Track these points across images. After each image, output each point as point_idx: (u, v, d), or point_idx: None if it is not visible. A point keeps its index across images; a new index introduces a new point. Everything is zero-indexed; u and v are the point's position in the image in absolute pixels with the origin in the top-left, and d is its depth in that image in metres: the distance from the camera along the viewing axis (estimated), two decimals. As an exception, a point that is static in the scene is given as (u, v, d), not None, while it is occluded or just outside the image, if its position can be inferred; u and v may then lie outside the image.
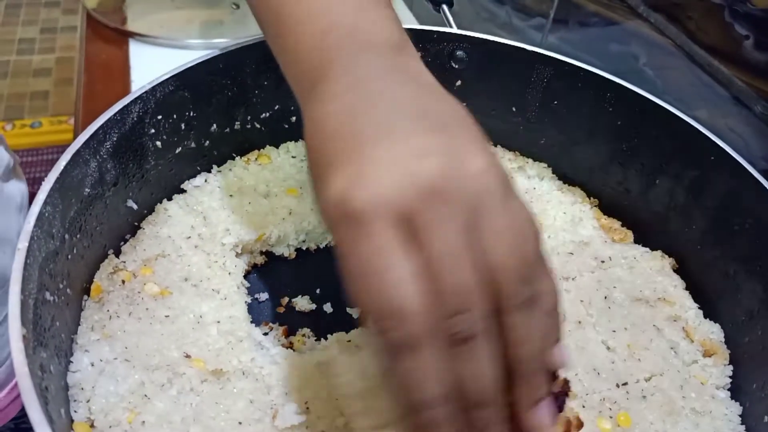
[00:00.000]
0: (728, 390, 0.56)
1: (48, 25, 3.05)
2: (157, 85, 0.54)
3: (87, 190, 0.49)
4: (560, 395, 0.45)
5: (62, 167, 0.45)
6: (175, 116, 0.57)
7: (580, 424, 0.46)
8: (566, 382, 0.46)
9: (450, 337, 0.33)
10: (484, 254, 0.34)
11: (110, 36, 1.03)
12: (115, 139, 0.51)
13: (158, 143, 0.57)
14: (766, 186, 0.54)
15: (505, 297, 0.34)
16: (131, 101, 0.51)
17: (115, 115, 0.50)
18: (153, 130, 0.55)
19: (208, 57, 0.58)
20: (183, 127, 0.59)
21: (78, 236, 0.49)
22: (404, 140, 0.35)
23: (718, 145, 0.58)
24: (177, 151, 0.60)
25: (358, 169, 0.35)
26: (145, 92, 0.53)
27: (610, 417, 0.52)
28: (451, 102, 0.40)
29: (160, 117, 0.56)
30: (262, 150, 0.69)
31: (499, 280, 0.34)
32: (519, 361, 0.36)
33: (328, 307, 0.61)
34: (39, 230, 0.43)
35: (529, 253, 0.36)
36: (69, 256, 0.47)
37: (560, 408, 0.44)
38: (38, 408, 0.34)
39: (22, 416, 0.78)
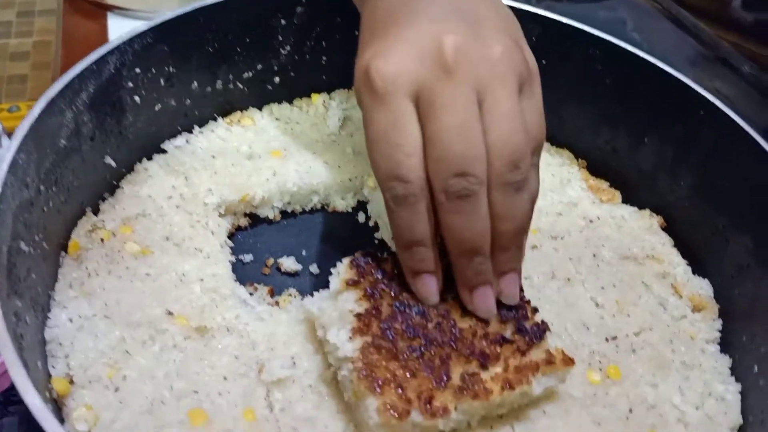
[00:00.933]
0: (717, 344, 0.56)
1: (25, 9, 2.99)
2: (134, 36, 0.52)
3: (63, 141, 0.48)
4: (539, 325, 0.47)
5: (36, 115, 0.44)
6: (153, 71, 0.56)
7: (568, 360, 0.46)
8: (543, 322, 0.48)
9: (450, 194, 0.39)
10: (485, 132, 0.38)
11: (88, 10, 1.00)
12: (91, 90, 0.49)
13: (137, 98, 0.55)
14: (755, 138, 0.54)
15: (496, 174, 0.39)
16: (108, 51, 0.50)
17: (91, 64, 0.49)
18: (131, 84, 0.54)
19: (188, 11, 0.57)
20: (162, 83, 0.57)
21: (54, 189, 0.47)
22: (433, 22, 0.40)
23: (708, 99, 0.57)
24: (157, 109, 0.58)
25: (384, 44, 0.39)
26: (123, 43, 0.51)
27: (600, 369, 0.52)
28: (497, 4, 0.45)
29: (138, 70, 0.54)
30: (245, 111, 0.67)
31: (493, 158, 0.39)
32: (498, 234, 0.41)
33: (314, 268, 0.59)
34: (12, 177, 0.41)
35: (524, 144, 0.40)
36: (45, 209, 0.46)
37: (537, 336, 0.46)
38: (12, 349, 0.32)
39: (11, 388, 0.76)
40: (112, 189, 0.56)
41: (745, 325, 0.54)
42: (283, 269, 0.59)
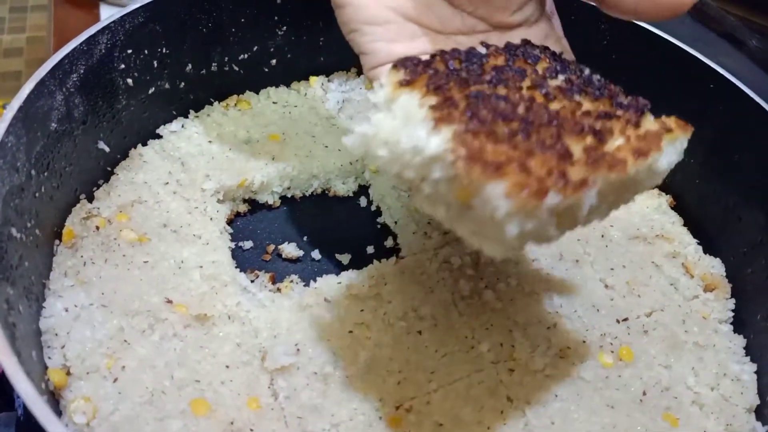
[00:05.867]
0: (731, 324, 0.54)
1: (17, 4, 2.96)
2: (125, 15, 0.50)
3: (54, 124, 0.46)
4: (637, 99, 0.39)
5: (25, 96, 0.42)
6: (146, 52, 0.54)
7: (684, 125, 0.38)
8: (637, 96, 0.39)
9: None
10: None
11: (80, 1, 0.98)
12: (82, 71, 0.48)
13: (129, 81, 0.53)
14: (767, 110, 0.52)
15: None
16: (98, 31, 0.48)
17: (81, 44, 0.47)
18: (123, 66, 0.52)
19: (181, -11, 0.55)
20: (155, 64, 0.55)
21: (45, 174, 0.45)
22: None
23: (718, 72, 0.56)
24: (150, 92, 0.56)
25: None
26: (113, 22, 0.49)
27: (612, 352, 0.50)
28: None
29: (130, 51, 0.52)
30: (241, 95, 0.65)
31: None
32: None
33: (316, 254, 0.58)
34: (1, 160, 0.39)
35: None
36: (37, 195, 0.44)
37: (641, 108, 0.38)
38: (3, 337, 0.31)
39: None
40: (107, 175, 0.54)
41: (758, 304, 0.53)
42: (284, 255, 0.58)
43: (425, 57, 0.37)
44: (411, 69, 0.35)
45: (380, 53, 0.42)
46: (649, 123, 0.38)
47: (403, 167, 0.34)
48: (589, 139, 0.34)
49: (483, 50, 0.38)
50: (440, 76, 0.35)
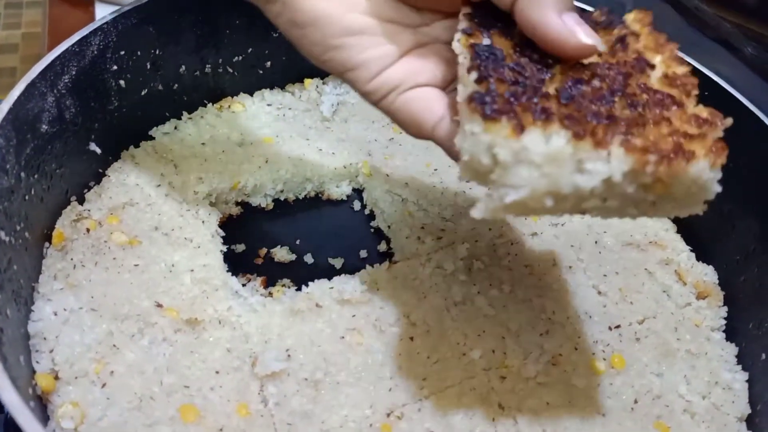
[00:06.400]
0: (723, 332, 0.54)
1: (13, 0, 2.95)
2: (118, 16, 0.50)
3: (44, 126, 0.46)
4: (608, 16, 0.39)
5: (15, 98, 0.42)
6: (139, 53, 0.53)
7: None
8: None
9: None
10: None
11: (75, -1, 0.97)
12: (73, 72, 0.47)
13: (122, 82, 0.53)
14: (762, 119, 0.52)
15: None
16: (90, 32, 0.48)
17: (73, 46, 0.46)
18: (115, 67, 0.52)
19: (175, -9, 0.55)
20: (149, 66, 0.55)
21: (36, 176, 0.45)
22: None
23: (712, 79, 0.55)
24: (143, 93, 0.56)
25: None
26: (106, 23, 0.49)
27: (604, 359, 0.50)
28: None
29: (122, 53, 0.52)
30: (235, 97, 0.65)
31: None
32: None
33: (308, 258, 0.58)
34: (-10, 163, 0.39)
35: None
36: (26, 197, 0.44)
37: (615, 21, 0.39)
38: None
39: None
40: (98, 177, 0.54)
41: (751, 312, 0.53)
42: (276, 259, 0.57)
43: (492, 84, 0.34)
44: (505, 108, 0.33)
45: (374, 63, 0.38)
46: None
47: (575, 201, 0.34)
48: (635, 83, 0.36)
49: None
50: (531, 99, 0.33)
